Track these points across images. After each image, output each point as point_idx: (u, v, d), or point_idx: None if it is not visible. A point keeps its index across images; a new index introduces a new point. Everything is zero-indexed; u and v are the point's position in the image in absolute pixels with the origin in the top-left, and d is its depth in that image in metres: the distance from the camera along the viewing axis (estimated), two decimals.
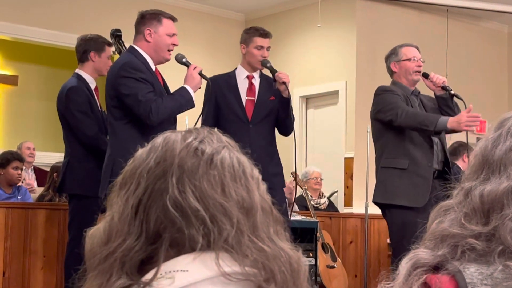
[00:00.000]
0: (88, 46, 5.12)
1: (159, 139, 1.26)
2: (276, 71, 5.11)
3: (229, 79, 5.30)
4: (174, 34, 4.57)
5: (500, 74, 10.09)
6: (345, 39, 8.84)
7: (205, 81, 4.70)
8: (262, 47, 5.24)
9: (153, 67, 4.53)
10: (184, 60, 4.65)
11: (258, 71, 5.32)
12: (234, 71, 5.37)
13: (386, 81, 8.78)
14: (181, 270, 1.14)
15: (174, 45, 4.57)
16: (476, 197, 1.16)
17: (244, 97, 5.23)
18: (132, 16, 9.06)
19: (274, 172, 5.14)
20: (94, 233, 1.24)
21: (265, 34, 5.27)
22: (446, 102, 5.14)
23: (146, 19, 4.54)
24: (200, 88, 4.61)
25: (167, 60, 4.59)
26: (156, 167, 1.21)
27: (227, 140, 1.28)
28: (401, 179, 4.98)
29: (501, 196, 1.14)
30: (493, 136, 1.22)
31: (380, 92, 5.24)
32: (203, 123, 5.18)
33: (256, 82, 5.31)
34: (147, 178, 1.21)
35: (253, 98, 5.25)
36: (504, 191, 1.14)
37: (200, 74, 4.58)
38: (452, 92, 5.12)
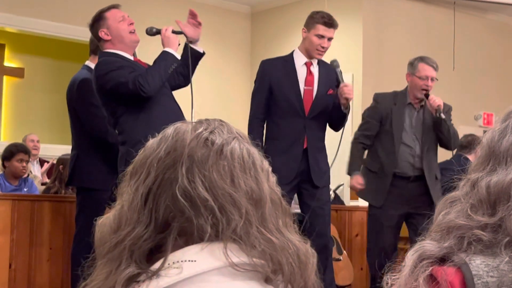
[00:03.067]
0: None
1: (169, 130, 1.26)
2: (343, 81, 4.95)
3: (286, 63, 5.06)
4: (123, 17, 4.54)
5: (507, 66, 10.07)
6: (351, 31, 8.82)
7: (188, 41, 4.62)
8: (323, 36, 5.01)
9: (131, 58, 4.53)
10: (154, 30, 4.59)
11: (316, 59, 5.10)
12: (291, 55, 5.12)
13: (392, 73, 8.75)
14: (189, 260, 1.15)
15: (131, 24, 4.54)
16: (482, 188, 1.15)
17: (302, 86, 5.02)
18: (139, 9, 9.05)
19: (324, 169, 5.07)
20: (104, 222, 1.25)
21: (330, 24, 5.01)
22: (438, 126, 5.38)
23: (94, 25, 4.55)
24: (180, 44, 4.56)
25: (137, 41, 4.56)
26: (166, 157, 1.21)
27: (237, 132, 1.28)
28: (369, 179, 5.54)
29: (508, 187, 1.14)
30: (500, 127, 1.22)
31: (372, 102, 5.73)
32: (253, 114, 5.05)
33: (315, 70, 5.10)
34: (157, 168, 1.21)
35: (311, 88, 5.04)
36: (510, 182, 1.14)
37: (173, 31, 4.52)
38: (442, 117, 5.29)
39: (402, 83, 5.76)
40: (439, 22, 9.32)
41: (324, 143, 5.13)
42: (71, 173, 5.04)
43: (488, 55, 9.85)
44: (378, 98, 5.68)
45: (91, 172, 4.93)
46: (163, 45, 4.51)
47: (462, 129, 8.83)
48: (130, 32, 4.52)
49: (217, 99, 9.05)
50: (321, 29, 5.00)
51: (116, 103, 4.39)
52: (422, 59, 5.51)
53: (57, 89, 8.91)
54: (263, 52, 9.77)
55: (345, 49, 8.86)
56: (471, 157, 6.66)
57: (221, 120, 1.30)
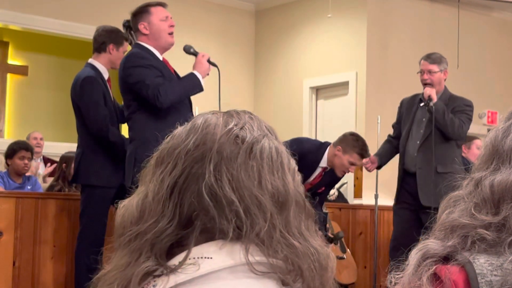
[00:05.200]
0: (108, 38, 5.12)
1: (199, 120, 1.24)
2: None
3: (316, 159, 5.44)
4: (167, 17, 4.59)
5: None
6: (356, 29, 8.81)
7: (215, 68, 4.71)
8: (355, 164, 5.41)
9: (160, 57, 4.56)
10: (192, 50, 4.67)
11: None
12: (323, 151, 5.48)
13: (396, 72, 8.74)
14: (206, 257, 1.14)
15: (172, 26, 4.59)
16: (486, 187, 1.15)
17: (310, 180, 5.45)
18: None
19: None
20: (127, 206, 1.23)
21: (364, 156, 5.43)
22: (431, 116, 5.56)
23: (137, 16, 4.59)
24: (208, 74, 4.62)
25: (172, 43, 4.61)
26: (195, 149, 1.19)
27: (266, 126, 1.26)
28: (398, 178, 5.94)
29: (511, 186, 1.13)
30: (504, 126, 1.21)
31: None
32: None
33: (322, 176, 5.52)
34: (185, 160, 1.19)
35: (311, 185, 5.49)
36: None
37: (208, 61, 4.60)
38: (430, 104, 5.52)
39: (406, 81, 5.81)
40: (443, 20, 9.30)
41: None
42: (77, 170, 5.05)
43: (493, 53, 9.83)
44: (401, 102, 6.02)
45: (96, 169, 4.95)
46: (194, 67, 4.56)
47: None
48: (169, 34, 4.56)
49: (220, 97, 9.03)
50: (356, 158, 5.40)
51: (133, 97, 4.42)
52: (423, 56, 5.81)
53: (61, 87, 8.91)
54: (267, 51, 9.78)
55: (349, 47, 8.85)
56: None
57: (250, 113, 1.27)
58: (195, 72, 4.54)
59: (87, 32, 7.84)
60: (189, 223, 1.18)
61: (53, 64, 9.54)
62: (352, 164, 5.38)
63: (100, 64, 5.10)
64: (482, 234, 1.11)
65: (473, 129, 8.30)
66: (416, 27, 9.12)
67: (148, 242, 1.17)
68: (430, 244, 1.15)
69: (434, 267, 1.12)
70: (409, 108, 5.80)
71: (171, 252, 1.17)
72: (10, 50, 9.30)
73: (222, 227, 1.15)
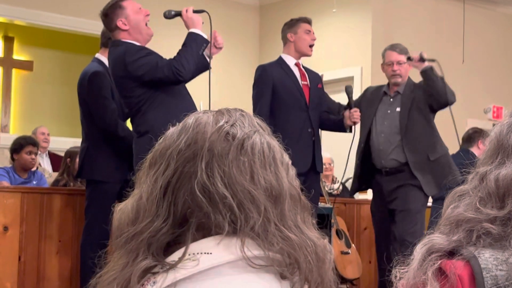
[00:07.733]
0: None
1: (190, 120, 1.25)
2: (353, 106, 5.37)
3: (281, 65, 5.42)
4: (140, 8, 4.49)
5: None
6: (361, 24, 8.80)
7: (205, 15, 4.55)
8: (309, 31, 5.41)
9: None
10: (173, 12, 4.54)
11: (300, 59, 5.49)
12: (281, 58, 5.48)
13: None
14: (205, 253, 1.15)
15: (147, 15, 4.50)
16: (491, 182, 1.15)
17: (300, 82, 5.38)
18: (147, 2, 9.05)
19: (321, 156, 5.46)
20: (123, 209, 1.24)
21: (310, 21, 5.49)
22: (428, 76, 5.39)
23: (110, 13, 4.46)
24: (203, 22, 4.51)
25: (151, 34, 4.52)
26: (186, 149, 1.20)
27: (258, 123, 1.27)
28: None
29: None
30: (509, 121, 1.22)
31: None
32: (258, 113, 5.18)
33: (303, 69, 5.48)
34: (177, 160, 1.20)
35: (306, 83, 5.40)
36: None
37: (194, 11, 4.49)
38: (424, 57, 5.41)
39: (410, 76, 5.77)
40: (448, 15, 9.29)
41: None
42: (81, 165, 5.05)
43: (498, 48, 9.81)
44: (366, 89, 5.98)
45: (100, 164, 4.94)
46: (187, 27, 4.45)
47: (471, 122, 8.81)
48: (146, 25, 4.47)
49: (224, 92, 9.04)
50: (306, 26, 5.43)
51: (145, 89, 4.32)
52: (388, 47, 5.71)
53: (66, 82, 8.93)
54: (271, 45, 9.76)
55: (354, 42, 8.84)
56: (473, 150, 6.68)
57: (241, 110, 1.28)
58: (192, 30, 4.42)
59: (92, 27, 7.85)
60: (185, 221, 1.18)
61: (58, 59, 9.55)
62: (308, 31, 5.41)
63: (107, 59, 5.11)
64: (488, 228, 1.11)
65: (478, 124, 8.29)
66: (421, 22, 9.11)
67: (144, 242, 1.18)
68: (435, 238, 1.15)
69: (439, 262, 1.12)
70: (372, 100, 5.65)
71: (168, 251, 1.18)
72: (15, 45, 9.32)
73: (218, 222, 1.16)
